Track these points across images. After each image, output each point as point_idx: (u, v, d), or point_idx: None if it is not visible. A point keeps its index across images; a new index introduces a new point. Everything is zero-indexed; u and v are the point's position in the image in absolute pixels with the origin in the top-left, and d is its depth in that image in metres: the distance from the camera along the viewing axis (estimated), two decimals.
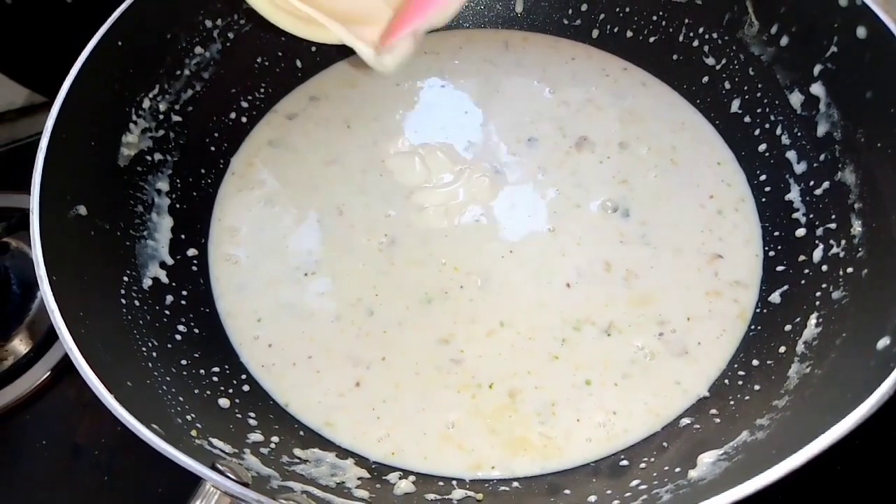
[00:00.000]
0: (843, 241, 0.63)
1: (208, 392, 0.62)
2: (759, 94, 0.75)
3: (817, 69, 0.67)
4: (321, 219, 0.75)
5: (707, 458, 0.54)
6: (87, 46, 0.63)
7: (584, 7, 0.87)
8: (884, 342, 0.51)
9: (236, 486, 0.46)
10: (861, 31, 0.62)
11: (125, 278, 0.64)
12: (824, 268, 0.64)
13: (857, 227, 0.62)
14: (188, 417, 0.56)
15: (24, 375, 0.76)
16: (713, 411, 0.62)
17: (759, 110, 0.75)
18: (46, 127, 0.59)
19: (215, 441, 0.55)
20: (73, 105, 0.61)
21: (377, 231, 0.74)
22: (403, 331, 0.68)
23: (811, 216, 0.68)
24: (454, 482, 0.60)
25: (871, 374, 0.48)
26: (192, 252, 0.72)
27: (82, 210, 0.61)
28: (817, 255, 0.65)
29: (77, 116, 0.62)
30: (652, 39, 0.84)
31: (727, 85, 0.78)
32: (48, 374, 0.75)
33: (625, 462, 0.60)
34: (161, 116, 0.72)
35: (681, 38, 0.81)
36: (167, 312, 0.66)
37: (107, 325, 0.58)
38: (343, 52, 0.86)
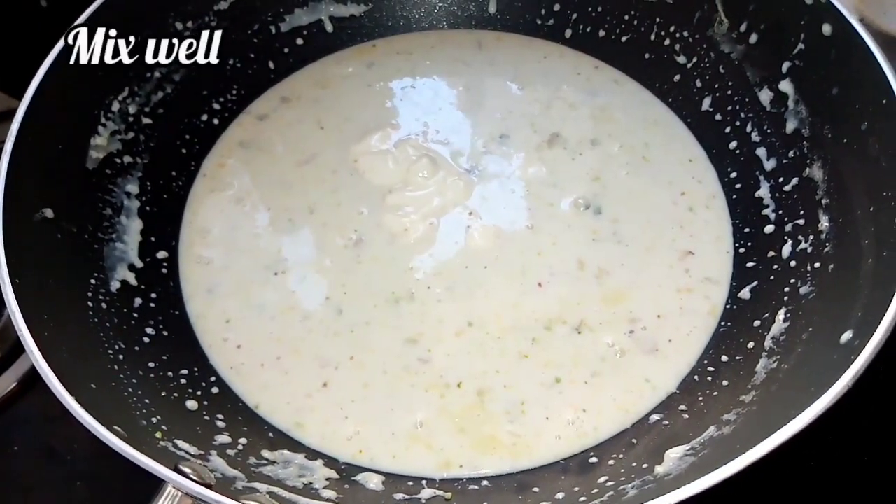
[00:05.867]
0: (810, 237, 0.63)
1: (175, 394, 0.61)
2: (729, 92, 0.76)
3: (786, 66, 0.68)
4: (292, 218, 0.75)
5: (674, 454, 0.55)
6: (55, 48, 0.63)
7: (556, 7, 0.87)
8: (847, 336, 0.51)
9: (197, 486, 0.46)
10: (826, 29, 0.62)
11: (92, 281, 0.63)
12: (793, 263, 0.64)
13: (824, 223, 0.63)
14: (153, 420, 0.56)
15: None
16: (682, 407, 0.62)
17: (729, 108, 0.76)
18: (12, 129, 0.58)
19: (180, 443, 0.54)
20: (39, 107, 0.61)
21: (348, 230, 0.73)
22: (371, 330, 0.67)
23: (780, 212, 0.68)
24: (423, 481, 0.60)
25: (834, 367, 0.48)
26: (161, 254, 0.72)
27: (49, 213, 0.60)
28: (786, 250, 0.65)
29: (44, 118, 0.61)
30: (624, 38, 0.84)
31: (698, 83, 0.79)
32: (14, 384, 0.74)
33: (594, 459, 0.60)
34: (131, 119, 0.72)
35: (652, 37, 0.81)
36: (135, 315, 0.65)
37: (72, 329, 0.58)
38: (315, 54, 0.86)
